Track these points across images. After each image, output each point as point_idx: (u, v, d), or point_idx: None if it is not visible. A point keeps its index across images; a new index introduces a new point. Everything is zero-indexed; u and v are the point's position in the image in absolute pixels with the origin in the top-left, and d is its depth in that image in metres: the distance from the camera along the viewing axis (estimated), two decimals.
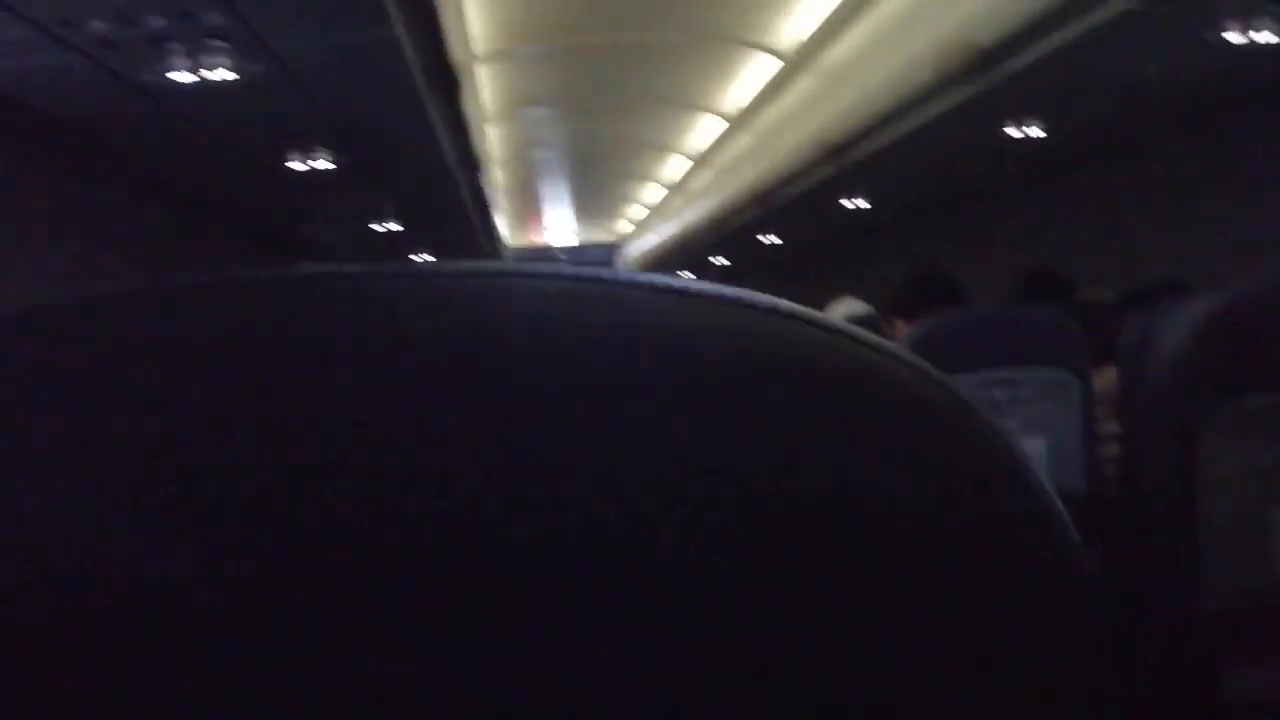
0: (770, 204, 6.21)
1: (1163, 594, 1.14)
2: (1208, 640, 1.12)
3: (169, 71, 2.79)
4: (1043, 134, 3.27)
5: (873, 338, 0.22)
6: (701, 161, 8.96)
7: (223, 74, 2.82)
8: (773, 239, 7.76)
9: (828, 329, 0.21)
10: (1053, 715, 0.21)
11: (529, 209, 12.93)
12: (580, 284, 0.20)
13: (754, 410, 0.19)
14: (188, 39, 2.64)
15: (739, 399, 0.19)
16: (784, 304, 0.21)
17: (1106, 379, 2.29)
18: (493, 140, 7.21)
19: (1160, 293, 2.85)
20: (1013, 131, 3.29)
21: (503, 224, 9.70)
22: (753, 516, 0.19)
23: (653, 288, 0.20)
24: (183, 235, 5.10)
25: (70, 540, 0.18)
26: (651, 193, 11.88)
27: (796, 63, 5.41)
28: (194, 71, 2.79)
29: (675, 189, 10.59)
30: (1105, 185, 4.34)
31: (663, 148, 9.48)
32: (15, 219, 3.57)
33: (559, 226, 14.74)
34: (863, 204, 5.30)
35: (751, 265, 9.34)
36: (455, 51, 3.19)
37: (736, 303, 0.20)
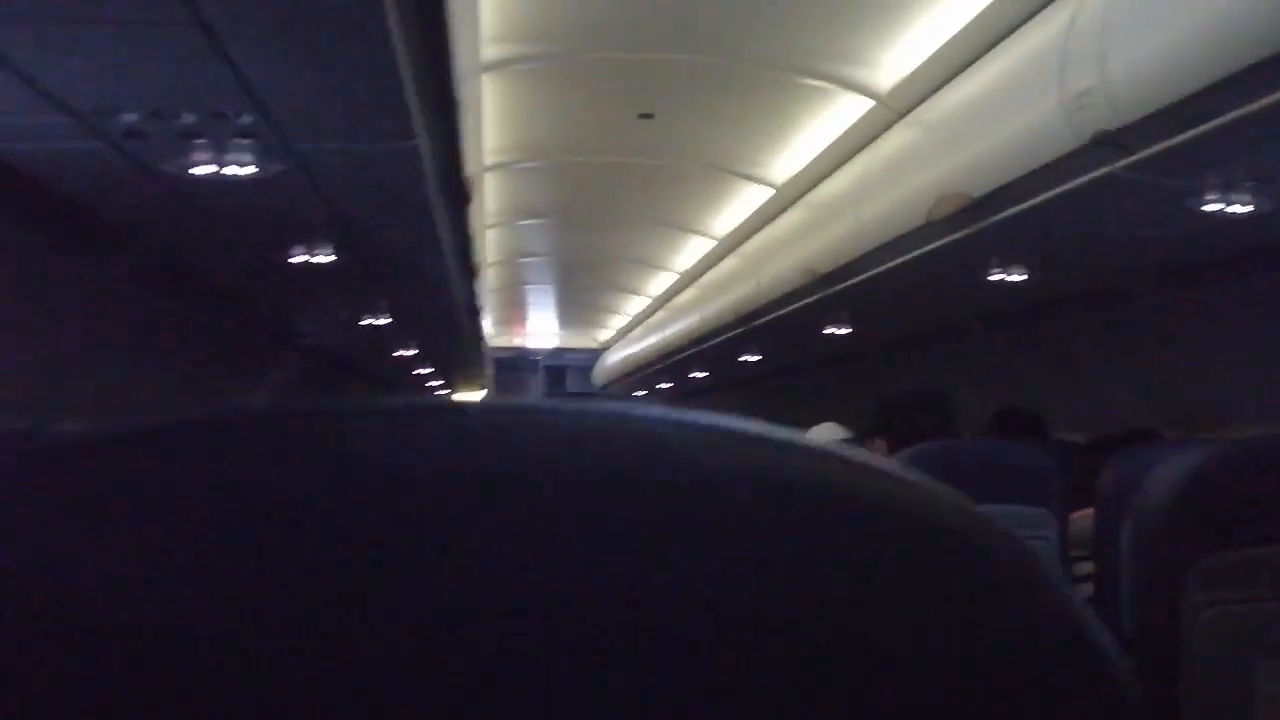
0: (753, 324, 6.35)
1: None
2: None
3: (191, 166, 2.88)
4: (1022, 278, 3.41)
5: (909, 475, 0.22)
6: (687, 279, 9.15)
7: (242, 170, 2.91)
8: (753, 358, 7.88)
9: (866, 470, 0.21)
10: None
11: (514, 312, 13.08)
12: (629, 424, 0.20)
13: (789, 550, 0.19)
14: (215, 136, 2.73)
15: (772, 539, 0.19)
16: (811, 442, 0.21)
17: (1081, 520, 2.35)
18: (487, 246, 7.35)
19: (1131, 439, 2.95)
20: (994, 276, 3.43)
21: (488, 324, 9.80)
22: (794, 656, 0.18)
23: (695, 427, 0.20)
24: (180, 318, 5.13)
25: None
26: (635, 305, 12.07)
27: (787, 194, 5.62)
28: (215, 166, 2.88)
29: (659, 303, 10.78)
30: (1079, 331, 4.50)
31: (649, 263, 9.70)
32: (30, 297, 3.61)
33: (541, 331, 14.90)
34: (844, 331, 5.43)
35: (731, 383, 9.46)
36: (469, 165, 3.32)
37: (766, 441, 0.21)
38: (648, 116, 5.38)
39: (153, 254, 4.12)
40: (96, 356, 4.51)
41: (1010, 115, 2.65)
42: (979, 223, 2.90)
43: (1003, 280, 3.47)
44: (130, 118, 2.59)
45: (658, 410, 0.21)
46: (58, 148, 2.77)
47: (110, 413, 4.49)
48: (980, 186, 2.79)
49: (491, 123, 4.97)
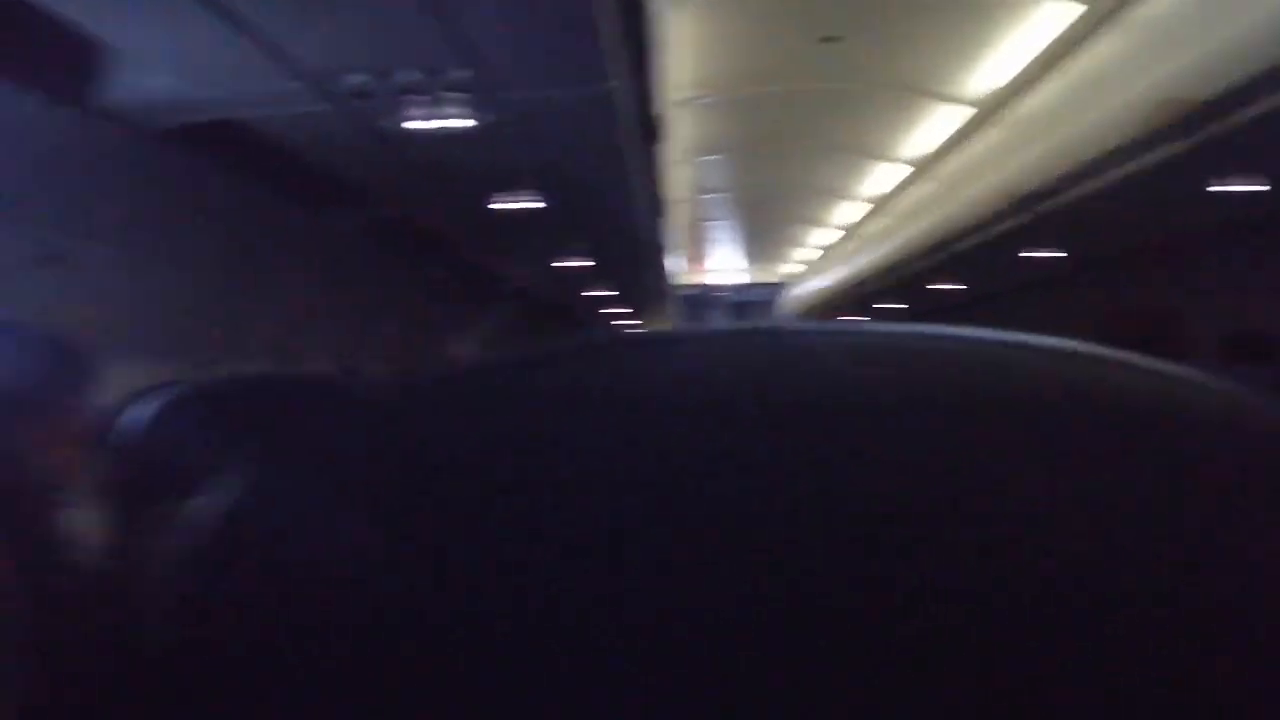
0: (949, 250, 6.15)
1: None
2: None
3: (407, 120, 3.07)
4: (1261, 189, 3.16)
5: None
6: (877, 207, 8.92)
7: (453, 123, 3.08)
8: (949, 286, 7.64)
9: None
10: None
11: (697, 249, 13.16)
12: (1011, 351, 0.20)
13: (1140, 471, 0.18)
14: (430, 91, 2.90)
15: (1121, 459, 0.19)
16: (1183, 370, 0.21)
17: None
18: (671, 184, 7.43)
19: None
20: (1225, 188, 3.20)
21: (673, 262, 9.92)
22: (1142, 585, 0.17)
23: (1023, 345, 0.20)
24: (405, 268, 5.53)
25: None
26: (820, 237, 11.87)
27: (986, 113, 5.37)
28: (429, 120, 3.06)
29: (847, 234, 10.56)
30: None
31: (835, 193, 9.50)
32: (266, 247, 4.00)
33: (725, 266, 14.93)
34: (1052, 254, 5.19)
35: (925, 312, 9.21)
36: (657, 105, 3.37)
37: (1091, 358, 0.20)
38: (831, 40, 5.24)
39: (379, 208, 4.44)
40: (336, 306, 4.93)
41: (1244, 5, 2.44)
42: (1207, 130, 2.70)
43: (1235, 192, 3.22)
44: (357, 79, 2.80)
45: (967, 330, 0.20)
46: (295, 111, 3.02)
47: (360, 358, 4.95)
48: (1207, 90, 2.59)
49: (672, 59, 5.00)
